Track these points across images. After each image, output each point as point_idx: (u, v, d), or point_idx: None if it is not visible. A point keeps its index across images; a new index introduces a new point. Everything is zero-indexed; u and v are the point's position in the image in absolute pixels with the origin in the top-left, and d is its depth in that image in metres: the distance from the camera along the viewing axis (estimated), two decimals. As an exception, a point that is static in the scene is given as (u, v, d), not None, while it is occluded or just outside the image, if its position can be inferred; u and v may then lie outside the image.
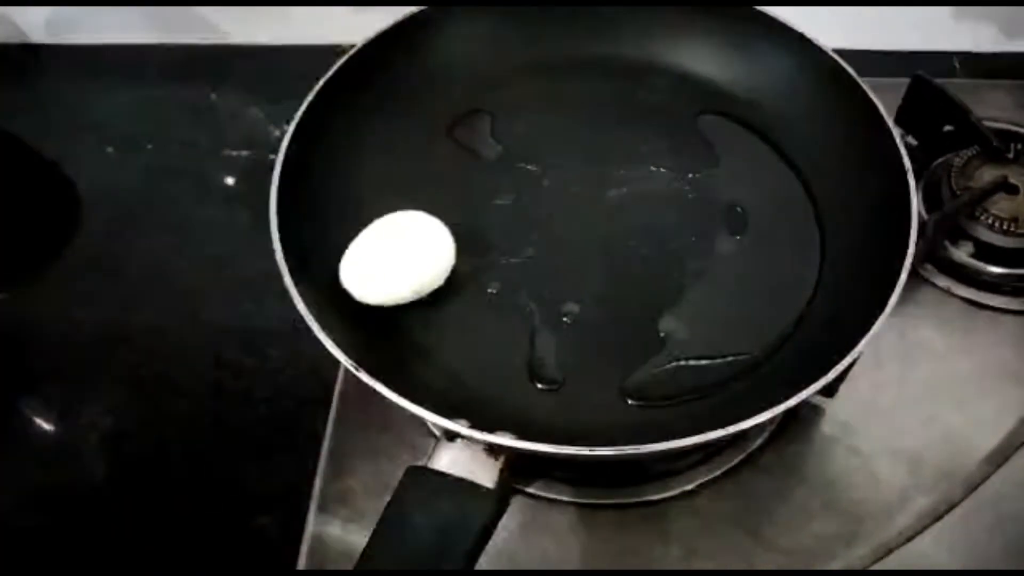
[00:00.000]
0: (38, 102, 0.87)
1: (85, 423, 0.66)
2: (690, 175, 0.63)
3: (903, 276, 0.50)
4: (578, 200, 0.62)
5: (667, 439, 0.46)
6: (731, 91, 0.66)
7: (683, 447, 0.46)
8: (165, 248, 0.76)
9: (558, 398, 0.53)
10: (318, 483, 0.60)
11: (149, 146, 0.84)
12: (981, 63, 0.80)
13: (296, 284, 0.51)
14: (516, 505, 0.57)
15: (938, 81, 0.71)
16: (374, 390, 0.47)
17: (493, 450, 0.46)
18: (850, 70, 0.61)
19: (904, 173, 0.56)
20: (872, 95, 0.60)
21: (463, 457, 0.46)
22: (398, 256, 0.54)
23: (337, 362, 0.64)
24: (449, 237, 0.55)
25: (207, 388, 0.68)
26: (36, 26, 0.88)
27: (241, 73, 0.88)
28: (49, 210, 0.81)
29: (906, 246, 0.51)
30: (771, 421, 0.54)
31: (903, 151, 0.56)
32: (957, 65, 0.80)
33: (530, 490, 0.58)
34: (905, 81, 0.72)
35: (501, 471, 0.46)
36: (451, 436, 0.47)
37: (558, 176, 0.63)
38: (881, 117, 0.59)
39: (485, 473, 0.45)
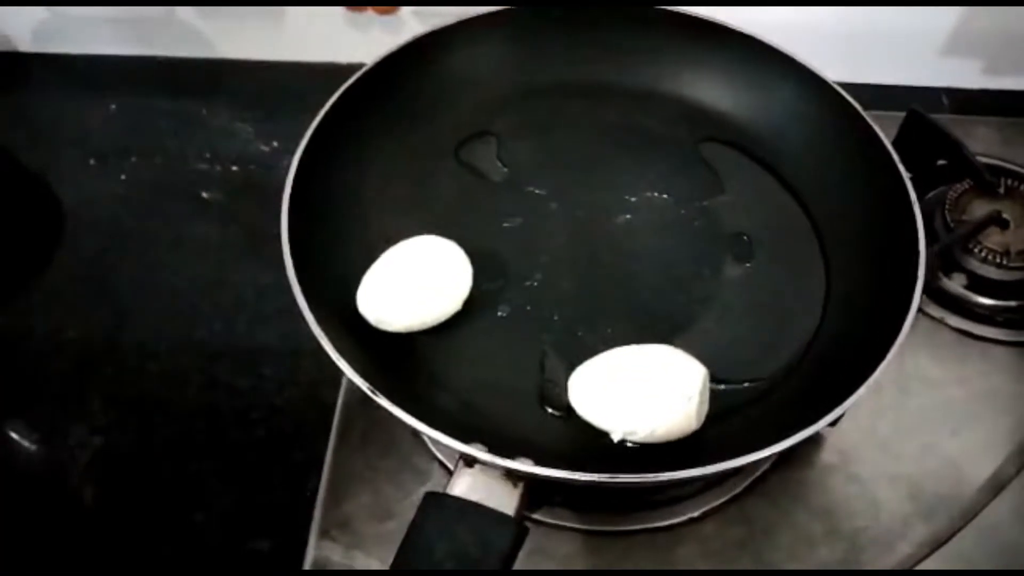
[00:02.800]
0: (23, 113, 0.86)
1: (73, 444, 0.65)
2: (695, 202, 0.63)
3: (910, 316, 0.51)
4: (586, 225, 0.62)
5: (678, 467, 0.46)
6: (733, 120, 0.67)
7: (691, 477, 0.46)
8: (152, 264, 0.75)
9: (568, 423, 0.53)
10: (319, 508, 0.59)
11: (134, 159, 0.82)
12: (968, 99, 0.82)
13: (312, 310, 0.50)
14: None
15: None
16: (378, 414, 0.47)
17: (512, 476, 0.46)
18: (854, 102, 0.62)
19: (910, 206, 0.57)
20: (876, 127, 0.61)
21: (481, 483, 0.46)
22: (418, 283, 0.54)
23: (336, 383, 0.64)
24: (467, 263, 0.55)
25: (200, 409, 0.66)
26: (23, 36, 0.87)
27: (232, 88, 0.87)
28: (32, 224, 0.79)
29: (913, 285, 0.52)
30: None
31: (909, 185, 0.58)
32: (946, 101, 0.82)
33: (535, 516, 0.58)
34: (897, 115, 0.73)
35: (521, 497, 0.46)
36: (469, 462, 0.46)
37: (565, 201, 0.63)
38: (885, 149, 0.60)
39: (505, 499, 0.45)
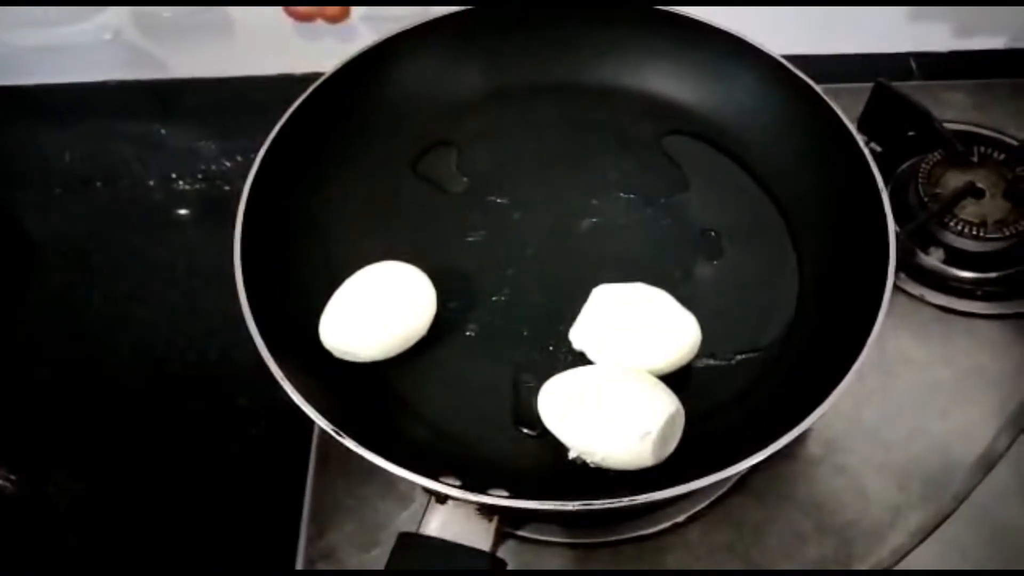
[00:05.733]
0: (-21, 148, 0.84)
1: (52, 490, 0.64)
2: (661, 200, 0.62)
3: (884, 307, 0.49)
4: (551, 233, 0.60)
5: (658, 484, 0.45)
6: (696, 110, 0.66)
7: (677, 494, 0.45)
8: (123, 295, 0.74)
9: (544, 443, 0.52)
10: (302, 540, 0.58)
11: (98, 184, 0.81)
12: (938, 62, 0.80)
13: (269, 346, 0.49)
14: (509, 548, 0.56)
15: (898, 85, 0.71)
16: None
17: (486, 510, 0.45)
18: (810, 82, 0.61)
19: (875, 185, 0.56)
20: (835, 106, 0.59)
21: (455, 519, 0.45)
22: (382, 311, 0.52)
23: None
24: (430, 287, 0.54)
25: (179, 446, 0.65)
26: (-29, 71, 0.85)
27: (189, 107, 0.85)
28: (1, 260, 0.78)
29: (885, 270, 0.51)
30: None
31: (872, 163, 0.56)
32: (915, 66, 0.80)
33: (522, 533, 0.57)
34: (867, 86, 0.71)
35: (496, 531, 0.45)
36: (441, 498, 0.45)
37: (528, 209, 0.62)
38: (844, 126, 0.58)
39: (479, 535, 0.44)
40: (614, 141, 0.65)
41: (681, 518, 0.57)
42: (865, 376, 0.62)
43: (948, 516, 0.57)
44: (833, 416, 0.60)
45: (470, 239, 0.60)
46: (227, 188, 0.81)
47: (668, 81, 0.66)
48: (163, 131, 0.84)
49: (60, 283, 0.75)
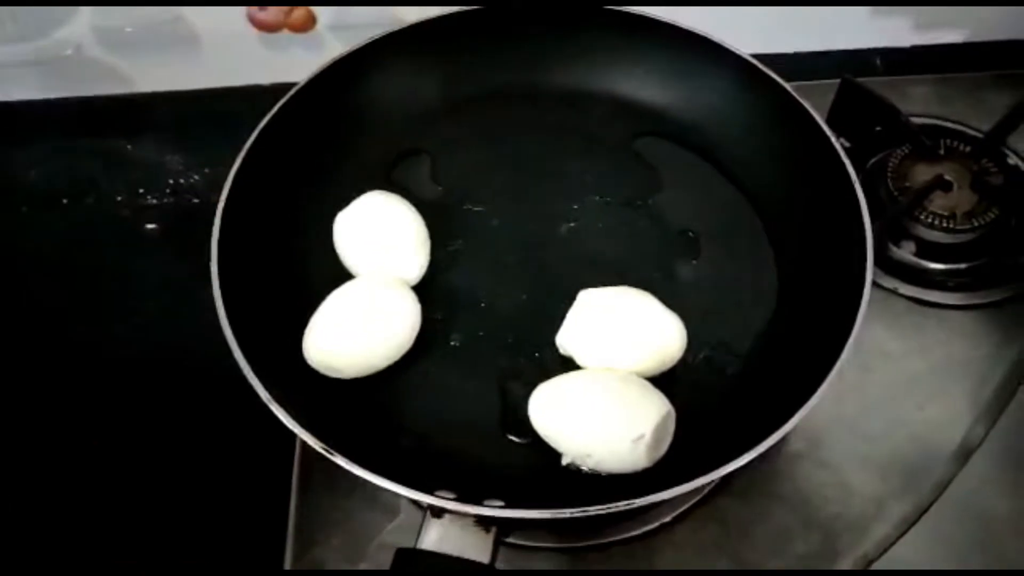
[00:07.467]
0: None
1: (33, 505, 0.63)
2: (638, 202, 0.62)
3: (864, 304, 0.50)
4: (530, 239, 0.60)
5: (656, 485, 0.45)
6: (667, 112, 0.66)
7: (674, 495, 0.45)
8: (94, 309, 0.73)
9: (535, 450, 0.52)
10: (288, 555, 0.57)
11: (65, 201, 0.80)
12: (901, 57, 0.81)
13: (252, 365, 0.48)
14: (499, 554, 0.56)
15: (864, 80, 0.72)
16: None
17: (483, 521, 0.45)
18: (780, 80, 0.61)
19: (849, 180, 0.56)
20: (803, 101, 0.60)
21: (453, 532, 0.45)
22: (366, 326, 0.52)
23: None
24: (413, 299, 0.54)
25: (157, 462, 0.65)
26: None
27: (155, 121, 0.84)
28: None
29: (863, 271, 0.52)
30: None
31: (845, 158, 0.57)
32: (879, 62, 0.81)
33: (511, 539, 0.57)
34: (832, 83, 0.72)
35: (494, 542, 0.45)
36: (437, 512, 0.45)
37: (506, 215, 0.61)
38: (818, 125, 0.59)
39: (478, 548, 0.44)
40: (588, 145, 0.65)
41: (668, 518, 0.58)
42: (843, 371, 0.63)
43: (930, 506, 0.58)
44: (814, 412, 0.60)
45: (449, 248, 0.60)
46: (196, 201, 0.80)
47: (638, 83, 0.66)
48: (129, 146, 0.83)
49: (29, 301, 0.74)
